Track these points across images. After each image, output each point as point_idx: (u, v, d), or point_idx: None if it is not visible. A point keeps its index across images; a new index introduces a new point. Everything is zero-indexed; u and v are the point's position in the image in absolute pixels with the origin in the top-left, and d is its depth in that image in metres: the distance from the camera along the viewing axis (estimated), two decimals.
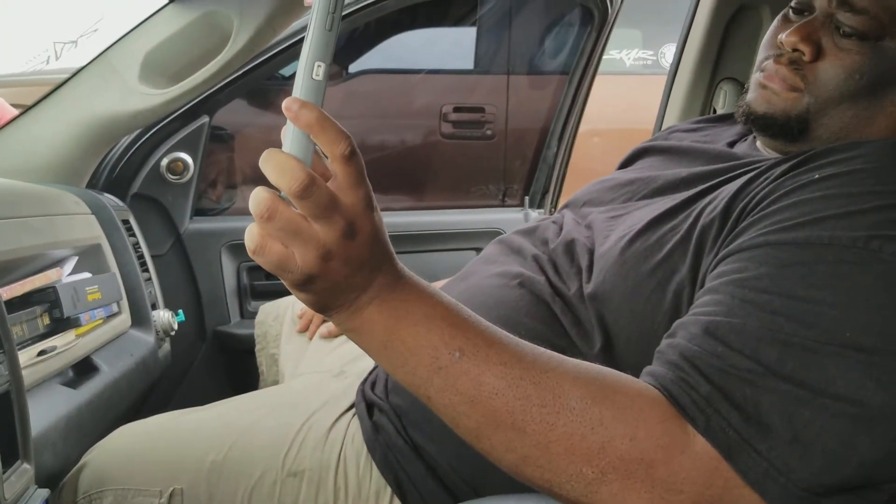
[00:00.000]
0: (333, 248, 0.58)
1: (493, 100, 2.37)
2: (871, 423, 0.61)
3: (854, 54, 0.81)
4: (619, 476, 0.61)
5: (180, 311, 1.46)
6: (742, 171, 0.85)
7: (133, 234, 1.44)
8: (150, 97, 1.36)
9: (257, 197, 0.56)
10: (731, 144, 0.99)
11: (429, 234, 2.18)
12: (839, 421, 0.61)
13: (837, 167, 0.73)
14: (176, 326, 1.43)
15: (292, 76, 2.15)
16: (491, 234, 2.23)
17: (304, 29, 1.74)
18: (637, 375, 0.68)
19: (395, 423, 0.90)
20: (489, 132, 2.34)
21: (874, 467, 0.61)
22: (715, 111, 1.57)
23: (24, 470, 0.75)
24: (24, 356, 0.96)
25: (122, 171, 1.78)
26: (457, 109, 2.35)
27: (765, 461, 0.60)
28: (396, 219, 2.17)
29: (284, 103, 0.56)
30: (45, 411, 0.98)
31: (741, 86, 1.54)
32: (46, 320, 1.07)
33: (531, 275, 0.91)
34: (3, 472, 0.70)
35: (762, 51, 0.90)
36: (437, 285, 1.17)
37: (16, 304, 1.01)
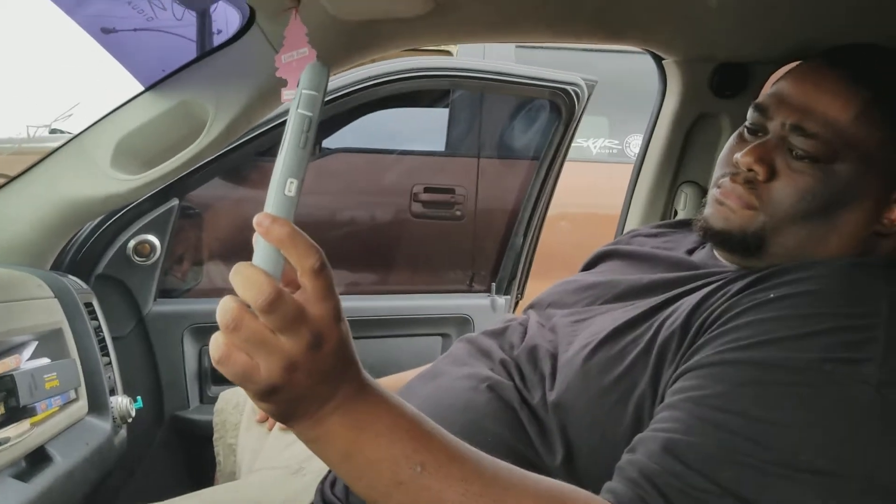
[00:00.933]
0: (299, 359, 0.57)
1: (462, 182, 2.41)
2: None
3: (807, 176, 0.84)
4: None
5: (139, 397, 1.43)
6: (701, 282, 0.87)
7: (95, 318, 1.42)
8: (121, 182, 1.36)
9: (224, 306, 0.56)
10: (691, 252, 1.02)
11: (394, 319, 2.18)
12: None
13: (792, 287, 0.76)
14: (133, 413, 1.40)
15: (264, 153, 2.19)
16: (457, 320, 2.23)
17: (279, 116, 1.76)
18: (598, 488, 0.69)
19: None
20: (458, 213, 2.37)
21: None
22: (676, 213, 1.62)
23: None
24: None
25: (88, 252, 1.77)
26: (427, 190, 2.38)
27: None
28: (362, 303, 2.16)
29: (256, 218, 0.57)
30: None
31: (701, 189, 1.59)
32: (1, 409, 1.04)
33: (500, 379, 0.91)
34: None
35: (719, 167, 0.94)
36: (403, 377, 1.18)
37: None
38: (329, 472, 0.98)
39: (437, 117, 2.62)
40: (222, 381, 1.95)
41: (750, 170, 0.86)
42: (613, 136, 3.74)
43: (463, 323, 2.22)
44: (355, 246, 2.34)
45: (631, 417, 0.79)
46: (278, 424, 1.29)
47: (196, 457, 1.87)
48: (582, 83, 2.14)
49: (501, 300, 2.31)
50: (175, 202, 1.86)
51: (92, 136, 1.37)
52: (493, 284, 2.35)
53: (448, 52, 3.42)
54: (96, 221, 1.76)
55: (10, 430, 1.03)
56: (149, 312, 1.88)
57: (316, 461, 1.08)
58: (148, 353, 1.89)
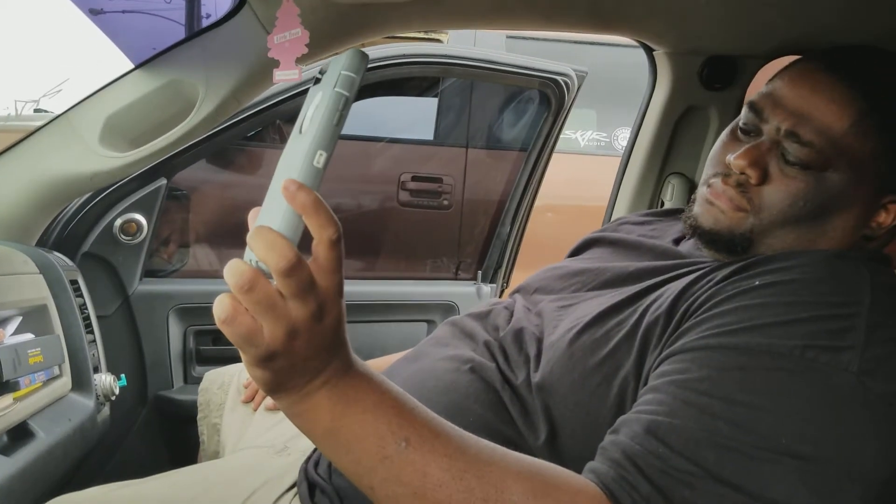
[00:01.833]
0: (301, 327, 0.58)
1: (450, 171, 2.41)
2: None
3: (798, 182, 0.84)
4: None
5: (123, 375, 1.43)
6: (686, 270, 0.89)
7: (80, 295, 1.41)
8: (109, 160, 1.35)
9: (237, 268, 0.56)
10: (677, 241, 1.03)
11: (380, 304, 2.18)
12: None
13: (776, 275, 0.77)
14: (117, 391, 1.40)
15: (252, 137, 2.18)
16: (443, 306, 2.24)
17: (268, 98, 1.75)
18: (580, 468, 0.70)
19: None
20: (446, 202, 2.38)
21: None
22: (663, 204, 1.63)
23: None
24: None
25: (74, 229, 1.76)
26: (415, 178, 2.38)
27: None
28: (348, 287, 2.13)
29: (284, 183, 0.57)
30: None
31: (688, 180, 1.60)
32: None
33: (482, 360, 0.92)
34: None
35: (710, 166, 0.93)
36: (387, 360, 1.18)
37: None
38: (313, 451, 0.98)
39: (426, 106, 2.62)
40: (206, 361, 1.95)
41: (742, 172, 0.87)
42: (601, 129, 3.75)
43: (448, 310, 2.23)
44: (343, 233, 2.33)
45: (614, 399, 0.80)
46: (263, 405, 1.29)
47: (179, 436, 1.87)
48: (572, 74, 2.15)
49: (487, 288, 2.32)
50: (163, 182, 1.85)
51: (80, 112, 1.37)
52: (479, 273, 2.36)
53: (439, 41, 3.42)
54: (83, 199, 1.76)
55: None
56: (134, 292, 1.88)
57: (301, 440, 1.08)
58: (133, 333, 1.88)
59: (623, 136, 3.67)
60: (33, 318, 1.23)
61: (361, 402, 0.63)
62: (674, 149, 1.61)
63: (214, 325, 0.58)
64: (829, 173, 0.83)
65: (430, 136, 2.61)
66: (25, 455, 1.09)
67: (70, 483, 1.23)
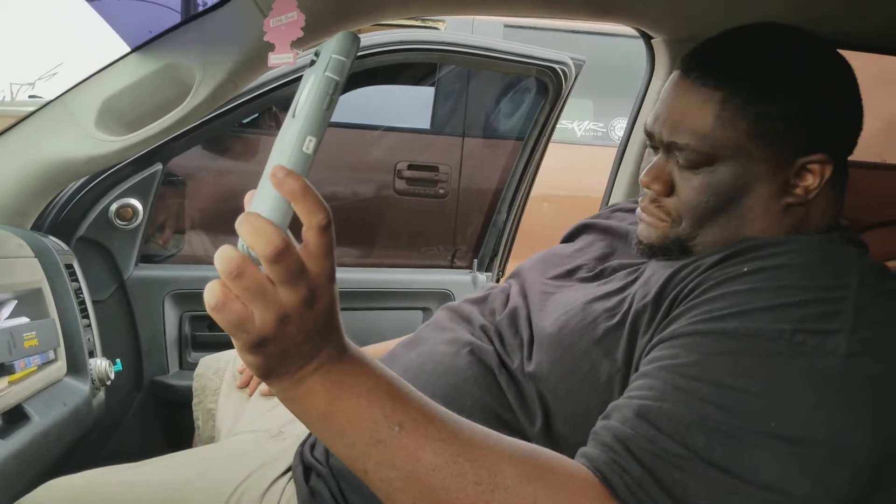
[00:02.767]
0: (292, 313, 0.58)
1: (447, 160, 2.41)
2: None
3: (696, 182, 0.87)
4: None
5: (118, 360, 1.43)
6: (674, 258, 0.90)
7: (76, 279, 1.41)
8: (105, 144, 1.35)
9: (226, 255, 0.56)
10: None
11: (376, 291, 2.18)
12: None
13: (765, 261, 0.77)
14: (112, 376, 1.40)
15: (249, 123, 2.18)
16: (439, 294, 2.24)
17: (265, 84, 1.75)
18: (574, 454, 0.70)
19: (332, 488, 0.89)
20: (442, 191, 2.38)
21: None
22: None
23: None
24: None
25: (70, 213, 1.76)
26: (411, 167, 2.38)
27: None
28: (344, 275, 2.17)
29: (272, 170, 0.57)
30: None
31: None
32: None
33: (481, 343, 0.93)
34: None
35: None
36: (385, 346, 1.19)
37: None
38: (309, 434, 0.99)
39: (423, 94, 2.62)
40: (202, 346, 1.95)
41: (650, 188, 0.91)
42: (598, 119, 3.75)
43: (444, 298, 2.24)
44: (338, 221, 2.32)
45: (604, 386, 0.81)
46: (259, 390, 1.29)
47: (174, 422, 1.88)
48: (570, 62, 2.15)
49: (482, 277, 2.32)
50: (159, 167, 1.85)
51: (76, 96, 1.36)
52: (475, 261, 2.36)
53: (436, 28, 3.41)
54: (79, 183, 1.76)
55: None
56: (130, 277, 1.88)
57: (296, 425, 1.09)
58: (128, 318, 1.88)
59: (620, 127, 3.66)
60: (28, 302, 1.23)
61: (355, 386, 0.63)
62: None
63: None
64: (719, 166, 0.85)
65: (426, 124, 2.60)
66: (20, 438, 1.09)
67: (65, 466, 1.23)
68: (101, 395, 1.40)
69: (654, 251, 0.93)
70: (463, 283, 2.29)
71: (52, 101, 1.38)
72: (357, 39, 0.60)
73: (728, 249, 0.82)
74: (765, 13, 1.26)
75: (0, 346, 1.05)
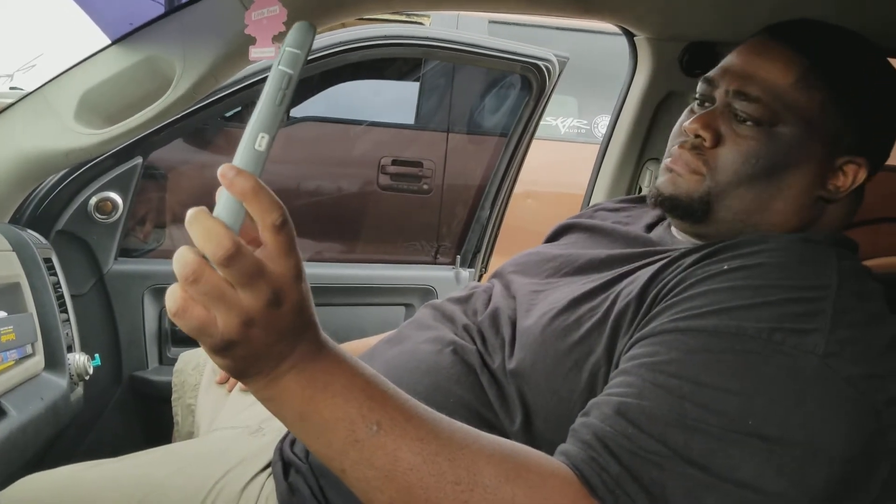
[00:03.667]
0: (257, 315, 0.57)
1: (431, 155, 2.40)
2: None
3: (750, 140, 0.87)
4: None
5: (97, 355, 1.42)
6: (657, 257, 0.90)
7: (54, 273, 1.40)
8: (84, 136, 1.33)
9: (183, 258, 0.55)
10: (650, 227, 1.04)
11: (359, 287, 2.18)
12: None
13: (745, 259, 0.78)
14: (91, 371, 1.39)
15: (231, 117, 2.16)
16: (422, 290, 2.24)
17: (247, 77, 1.73)
18: (553, 451, 0.70)
19: (311, 485, 0.89)
20: (426, 186, 2.37)
21: None
22: (640, 189, 1.64)
23: None
24: None
25: (48, 207, 1.74)
26: (395, 162, 2.37)
27: None
28: (327, 270, 2.16)
29: (220, 169, 0.55)
30: None
31: None
32: None
33: (463, 343, 0.93)
34: None
35: (671, 139, 0.97)
36: (366, 343, 1.18)
37: None
38: (289, 431, 0.98)
39: (408, 90, 2.61)
40: (182, 342, 1.95)
41: (697, 136, 0.90)
42: (582, 117, 3.76)
43: (427, 294, 2.24)
44: (321, 216, 2.33)
45: (586, 383, 0.81)
46: (238, 386, 1.29)
47: (154, 417, 1.87)
48: (554, 59, 2.15)
49: (465, 273, 2.32)
50: (139, 160, 1.83)
51: (55, 88, 1.34)
52: (458, 257, 2.36)
53: (421, 23, 3.40)
54: (57, 176, 1.74)
55: None
56: (109, 271, 1.86)
57: (275, 421, 1.06)
58: (107, 312, 1.87)
59: (603, 124, 3.67)
60: (6, 296, 1.22)
61: (331, 386, 0.62)
62: (653, 135, 1.62)
63: None
64: (780, 128, 0.86)
65: (411, 119, 2.60)
66: None
67: (42, 462, 1.22)
68: (80, 390, 1.39)
69: (675, 206, 0.92)
70: (446, 279, 2.29)
71: (31, 93, 1.37)
72: (312, 29, 0.58)
73: (710, 247, 0.82)
74: (747, 10, 1.27)
75: None
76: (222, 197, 0.57)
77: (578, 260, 0.99)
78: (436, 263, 2.39)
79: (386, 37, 2.02)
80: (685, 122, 0.91)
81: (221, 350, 0.58)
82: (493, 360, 0.90)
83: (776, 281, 0.74)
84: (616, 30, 1.57)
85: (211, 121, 2.08)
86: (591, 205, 1.32)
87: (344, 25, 2.08)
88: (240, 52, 1.30)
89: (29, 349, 1.22)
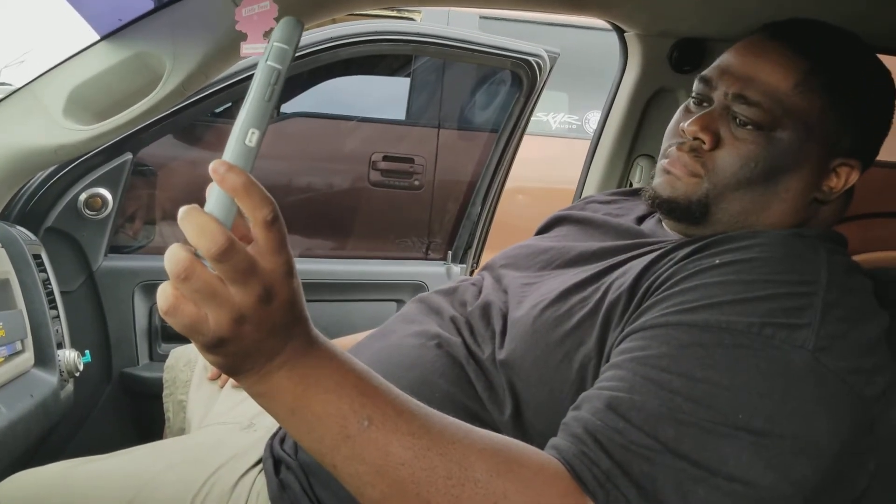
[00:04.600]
0: (248, 312, 0.57)
1: (422, 151, 2.40)
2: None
3: (749, 143, 0.87)
4: None
5: (87, 351, 1.41)
6: (648, 249, 0.90)
7: (44, 270, 1.39)
8: (73, 132, 1.33)
9: (175, 256, 0.54)
10: (641, 220, 1.05)
11: (350, 283, 2.18)
12: (731, 500, 0.64)
13: (736, 254, 0.78)
14: (81, 367, 1.38)
15: (221, 113, 2.15)
16: (412, 286, 2.24)
17: (237, 73, 1.72)
18: (544, 443, 0.70)
19: (301, 481, 0.89)
20: (417, 182, 2.37)
21: None
22: (631, 185, 1.64)
23: None
24: None
25: (38, 203, 1.73)
26: (386, 158, 2.37)
27: None
28: (318, 266, 2.16)
29: (212, 165, 0.55)
30: None
31: (656, 162, 1.62)
32: None
33: (448, 336, 0.93)
34: None
35: (666, 139, 0.96)
36: (354, 339, 1.18)
37: None
38: (279, 427, 0.98)
39: (399, 86, 2.61)
40: (172, 338, 1.94)
41: (696, 138, 0.90)
42: (573, 112, 3.76)
43: (418, 289, 2.24)
44: (312, 212, 2.33)
45: (576, 375, 0.81)
46: (230, 382, 1.29)
47: (145, 414, 1.86)
48: (544, 55, 2.15)
49: (457, 268, 2.33)
50: (129, 156, 1.83)
51: (44, 84, 1.34)
52: (449, 253, 2.36)
53: (412, 19, 3.40)
54: (47, 173, 1.73)
55: None
56: (99, 268, 1.85)
57: (267, 417, 1.07)
58: (97, 309, 1.86)
59: (594, 120, 3.67)
60: None
61: (323, 381, 0.62)
62: (643, 130, 1.62)
63: None
64: (779, 133, 0.86)
65: (401, 116, 2.59)
66: None
67: (32, 459, 1.22)
68: (70, 386, 1.39)
69: (673, 209, 0.92)
70: (437, 274, 2.29)
71: (19, 88, 1.36)
72: (300, 25, 0.58)
73: (701, 241, 0.83)
74: (736, 7, 1.27)
75: None
76: (213, 193, 0.57)
77: (570, 252, 1.00)
78: (427, 259, 2.39)
79: (376, 32, 2.02)
80: (683, 124, 0.91)
81: (213, 347, 0.58)
82: (483, 350, 0.90)
83: (766, 276, 0.75)
84: (607, 26, 1.57)
85: (201, 117, 2.07)
86: (582, 198, 1.32)
87: (335, 21, 2.07)
88: (230, 48, 1.29)
89: (18, 346, 1.22)
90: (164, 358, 1.52)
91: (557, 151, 3.56)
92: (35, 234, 1.52)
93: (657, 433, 0.66)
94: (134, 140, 1.81)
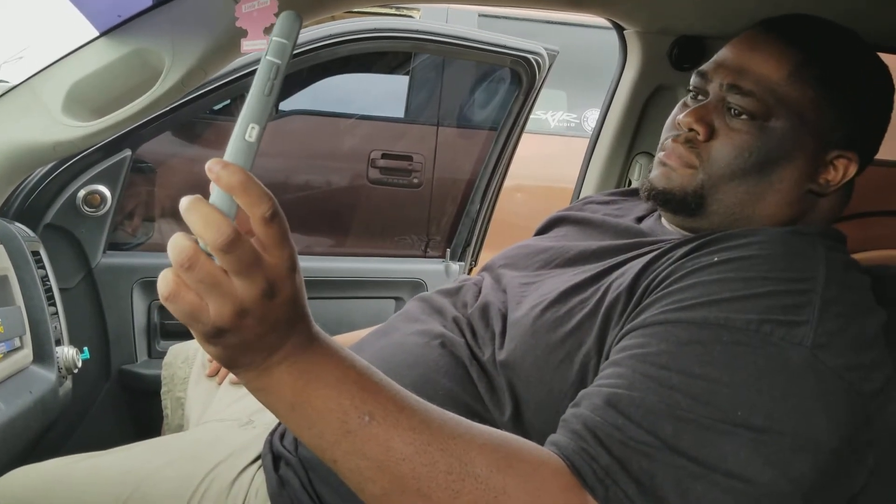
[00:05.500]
0: (250, 306, 0.57)
1: (421, 149, 2.40)
2: (759, 500, 0.65)
3: (744, 134, 0.88)
4: None
5: (85, 348, 1.41)
6: (647, 248, 0.90)
7: (42, 266, 1.39)
8: (72, 129, 1.32)
9: (178, 244, 0.54)
10: (640, 219, 1.05)
11: (348, 280, 2.18)
12: (730, 496, 0.64)
13: (734, 252, 0.78)
14: (80, 364, 1.38)
15: (220, 110, 2.15)
16: (411, 284, 2.24)
17: (236, 70, 1.72)
18: (543, 442, 0.71)
19: (301, 477, 0.89)
20: (416, 180, 2.37)
21: None
22: (630, 182, 1.65)
23: None
24: None
25: (36, 200, 1.73)
26: (385, 156, 2.37)
27: None
28: (317, 264, 2.16)
29: (208, 164, 0.55)
30: None
31: None
32: None
33: (452, 335, 0.93)
34: None
35: (664, 132, 0.97)
36: (356, 336, 1.18)
37: None
38: (279, 423, 0.98)
39: (398, 84, 2.60)
40: (171, 335, 1.94)
41: (691, 129, 0.90)
42: (572, 111, 3.76)
43: (417, 287, 2.24)
44: (311, 210, 2.33)
45: (576, 374, 0.81)
46: (228, 379, 1.29)
47: (143, 411, 1.86)
48: (543, 52, 2.15)
49: (455, 266, 2.32)
50: (128, 153, 1.82)
51: (43, 80, 1.33)
52: (448, 251, 2.36)
53: (410, 16, 3.39)
54: (45, 169, 1.73)
55: None
56: (98, 264, 1.85)
57: (265, 414, 1.08)
58: (96, 306, 1.86)
59: (593, 118, 3.67)
60: None
61: (323, 377, 0.62)
62: (642, 128, 1.62)
63: None
64: (773, 122, 0.87)
65: (400, 113, 2.59)
66: None
67: (31, 455, 1.22)
68: (68, 383, 1.39)
69: (668, 200, 0.92)
70: (436, 272, 2.29)
71: (18, 85, 1.36)
72: (299, 19, 0.58)
73: (700, 239, 0.83)
74: (735, 4, 1.27)
75: None
76: (216, 187, 0.57)
77: (569, 252, 1.00)
78: (426, 257, 2.39)
79: (375, 30, 2.01)
80: (679, 116, 0.92)
81: (212, 337, 0.58)
82: (483, 352, 0.90)
83: (765, 273, 0.75)
84: (606, 23, 1.57)
85: (200, 114, 2.07)
86: (581, 197, 1.32)
87: (333, 18, 2.07)
88: (229, 44, 1.29)
89: (17, 342, 1.22)
90: (162, 355, 1.52)
91: (556, 150, 3.56)
92: (34, 230, 1.52)
93: (656, 430, 0.66)
94: (133, 137, 1.81)
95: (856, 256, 0.85)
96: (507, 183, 2.38)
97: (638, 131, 1.63)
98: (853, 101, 0.88)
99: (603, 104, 1.67)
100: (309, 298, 0.62)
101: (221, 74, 1.82)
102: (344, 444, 0.62)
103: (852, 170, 0.89)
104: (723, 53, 0.93)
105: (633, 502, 0.64)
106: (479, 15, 3.51)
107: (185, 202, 0.55)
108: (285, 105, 2.33)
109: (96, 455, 0.98)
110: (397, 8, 3.44)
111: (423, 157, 2.38)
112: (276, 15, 0.93)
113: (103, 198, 1.81)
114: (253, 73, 0.59)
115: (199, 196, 0.55)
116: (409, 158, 2.38)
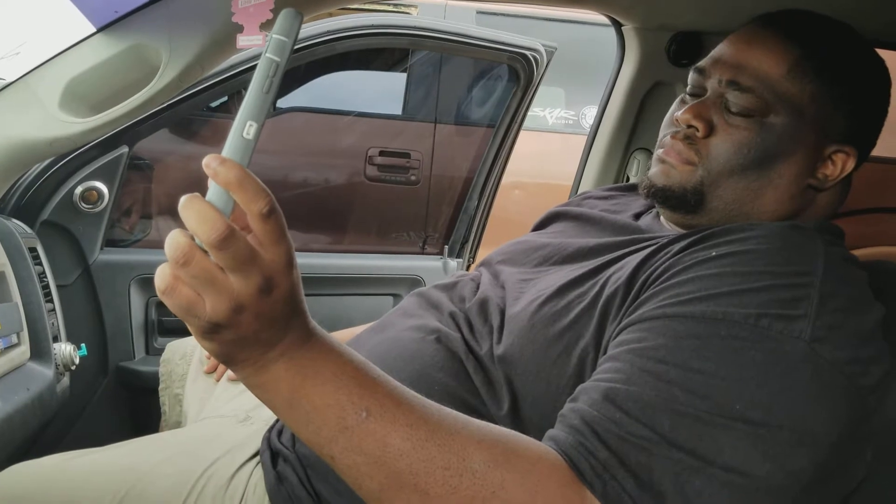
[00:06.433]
0: (247, 301, 0.57)
1: (418, 146, 2.40)
2: (757, 494, 0.65)
3: (742, 130, 0.88)
4: None
5: (83, 344, 1.41)
6: (645, 243, 0.90)
7: (39, 263, 1.39)
8: (69, 125, 1.32)
9: (174, 240, 0.55)
10: (638, 216, 1.05)
11: (346, 277, 2.18)
12: (727, 490, 0.64)
13: (732, 246, 0.78)
14: (77, 360, 1.38)
15: (218, 107, 2.15)
16: (409, 280, 2.24)
17: (233, 67, 1.72)
18: (541, 436, 0.71)
19: (299, 473, 0.89)
20: (413, 177, 2.37)
21: None
22: (628, 179, 1.65)
23: None
24: None
25: (33, 196, 1.73)
26: (383, 153, 2.37)
27: None
28: (314, 260, 2.16)
29: (205, 160, 0.55)
30: None
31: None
32: None
33: (448, 331, 0.93)
34: None
35: (663, 129, 0.97)
36: (353, 332, 1.18)
37: None
38: (276, 420, 0.98)
39: (395, 80, 2.60)
40: (169, 332, 1.94)
41: (689, 126, 0.90)
42: (569, 108, 3.76)
43: (414, 283, 2.24)
44: (309, 207, 2.33)
45: (574, 369, 0.81)
46: (226, 375, 1.29)
47: (141, 407, 1.86)
48: (541, 49, 2.15)
49: (453, 263, 2.33)
50: (125, 149, 1.82)
51: (39, 76, 1.33)
52: (446, 247, 2.36)
53: (408, 13, 3.39)
54: (42, 166, 1.73)
55: None
56: (95, 261, 1.85)
57: (264, 410, 1.08)
58: (93, 303, 1.86)
59: (591, 115, 3.67)
60: None
61: (321, 373, 0.62)
62: (640, 124, 1.62)
63: None
64: (772, 118, 0.87)
65: (398, 110, 2.59)
66: None
67: (29, 452, 1.22)
68: (66, 380, 1.39)
69: (667, 197, 0.92)
70: (434, 269, 2.29)
71: (14, 81, 1.35)
72: (299, 17, 0.58)
73: (698, 234, 0.83)
74: (735, 2, 1.27)
75: None
76: (213, 183, 0.57)
77: (567, 248, 1.00)
78: (423, 254, 2.39)
79: (373, 26, 2.01)
80: (677, 113, 0.92)
81: (209, 333, 0.58)
82: (481, 346, 0.90)
83: (763, 267, 0.75)
84: (604, 20, 1.57)
85: (197, 110, 2.07)
86: (579, 193, 1.32)
87: (331, 15, 2.07)
88: (226, 40, 1.29)
89: (14, 339, 1.22)
90: (160, 352, 1.52)
91: (554, 146, 3.56)
92: (31, 227, 1.52)
93: (654, 424, 0.66)
94: (130, 133, 1.81)
95: (854, 253, 0.85)
96: (504, 180, 2.38)
97: (636, 128, 1.63)
98: (852, 95, 0.88)
99: (601, 100, 1.67)
100: (306, 295, 0.62)
101: (218, 71, 1.82)
102: (341, 440, 0.62)
103: (850, 164, 0.89)
104: (721, 49, 0.93)
105: (631, 497, 0.64)
106: (477, 12, 3.51)
107: (182, 200, 0.55)
108: (283, 102, 2.33)
109: (94, 451, 0.97)
110: (395, 4, 3.43)
111: (420, 154, 2.38)
112: (273, 11, 0.93)
113: (100, 194, 1.81)
114: (250, 69, 0.59)
115: (195, 194, 0.55)
116: (406, 155, 2.38)
